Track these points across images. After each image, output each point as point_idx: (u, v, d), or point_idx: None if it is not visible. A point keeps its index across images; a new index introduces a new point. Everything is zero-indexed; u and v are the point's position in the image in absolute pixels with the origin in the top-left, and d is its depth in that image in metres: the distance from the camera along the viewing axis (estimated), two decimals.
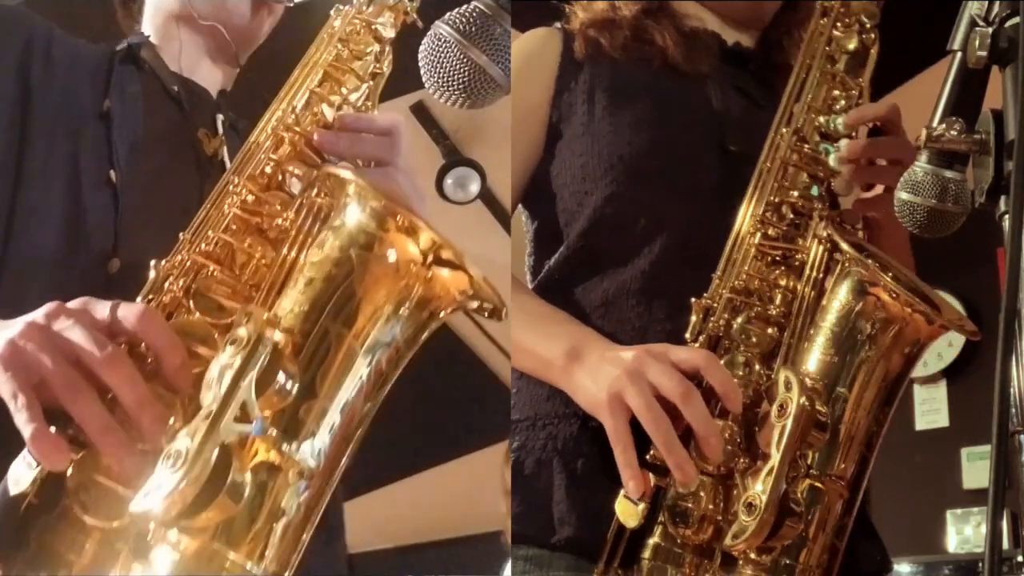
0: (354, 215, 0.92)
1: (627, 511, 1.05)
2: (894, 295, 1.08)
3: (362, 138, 1.09)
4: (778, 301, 1.14)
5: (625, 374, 1.06)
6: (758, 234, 1.17)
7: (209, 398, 0.83)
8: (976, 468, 3.70)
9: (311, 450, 0.87)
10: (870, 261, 1.09)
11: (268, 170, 1.05)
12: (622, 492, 1.05)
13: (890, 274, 1.08)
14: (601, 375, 1.09)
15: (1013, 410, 0.87)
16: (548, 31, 1.39)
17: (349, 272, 0.90)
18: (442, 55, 1.06)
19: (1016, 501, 0.86)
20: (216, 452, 0.79)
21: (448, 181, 3.29)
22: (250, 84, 1.41)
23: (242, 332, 0.84)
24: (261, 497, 0.84)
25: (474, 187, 3.31)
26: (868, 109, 1.22)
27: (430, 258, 0.91)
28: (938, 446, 3.75)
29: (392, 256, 0.91)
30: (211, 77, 1.38)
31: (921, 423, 3.82)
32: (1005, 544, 0.82)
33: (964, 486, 3.72)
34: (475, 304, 0.94)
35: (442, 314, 0.95)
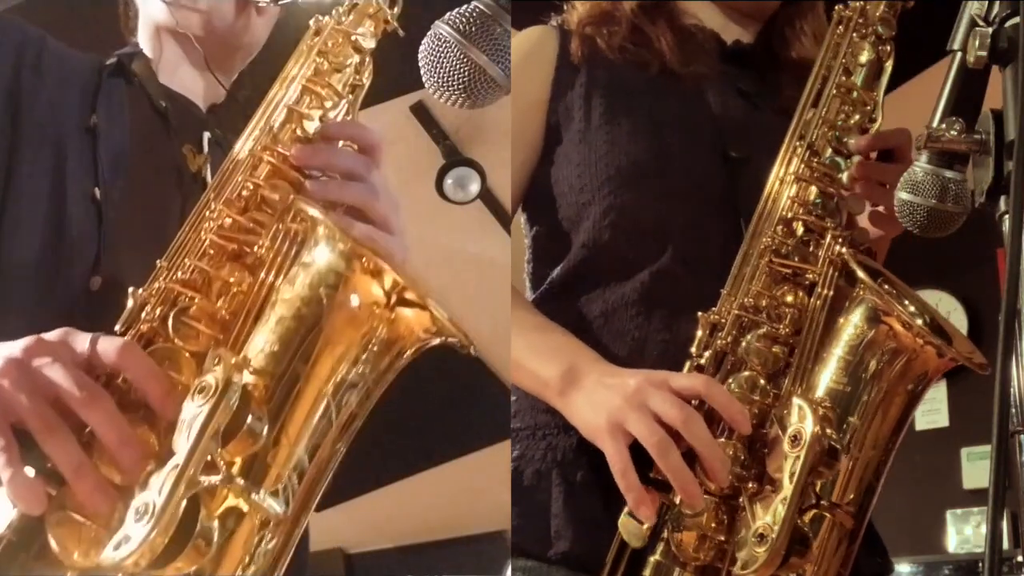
0: (323, 255, 0.92)
1: (631, 530, 1.05)
2: (907, 326, 1.07)
3: (337, 151, 1.08)
4: (787, 320, 1.12)
5: (626, 403, 1.05)
6: (769, 251, 1.15)
7: (178, 446, 0.83)
8: (976, 468, 3.70)
9: (280, 496, 0.87)
10: (885, 288, 1.09)
11: (245, 193, 1.04)
12: (626, 510, 1.05)
13: (904, 303, 1.08)
14: (599, 401, 1.09)
15: (1013, 410, 0.87)
16: (544, 29, 1.37)
17: (319, 313, 0.91)
18: (442, 55, 1.06)
19: (1016, 501, 0.86)
20: (184, 504, 0.80)
21: (448, 181, 3.29)
22: (242, 98, 1.40)
23: (210, 379, 0.83)
24: (229, 545, 0.84)
25: (474, 187, 3.32)
26: (877, 138, 1.20)
27: (394, 298, 0.92)
28: (938, 446, 3.75)
29: (355, 300, 0.91)
30: (197, 89, 1.36)
31: (921, 423, 3.82)
32: (1005, 544, 0.82)
33: (964, 486, 3.72)
34: (438, 340, 0.95)
35: (407, 353, 0.95)
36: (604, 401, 1.08)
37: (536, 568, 1.16)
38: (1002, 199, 0.94)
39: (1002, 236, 0.89)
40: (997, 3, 0.97)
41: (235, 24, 1.34)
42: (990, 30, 0.96)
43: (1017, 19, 0.95)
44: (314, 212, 0.94)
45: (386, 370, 0.95)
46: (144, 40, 1.36)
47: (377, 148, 1.09)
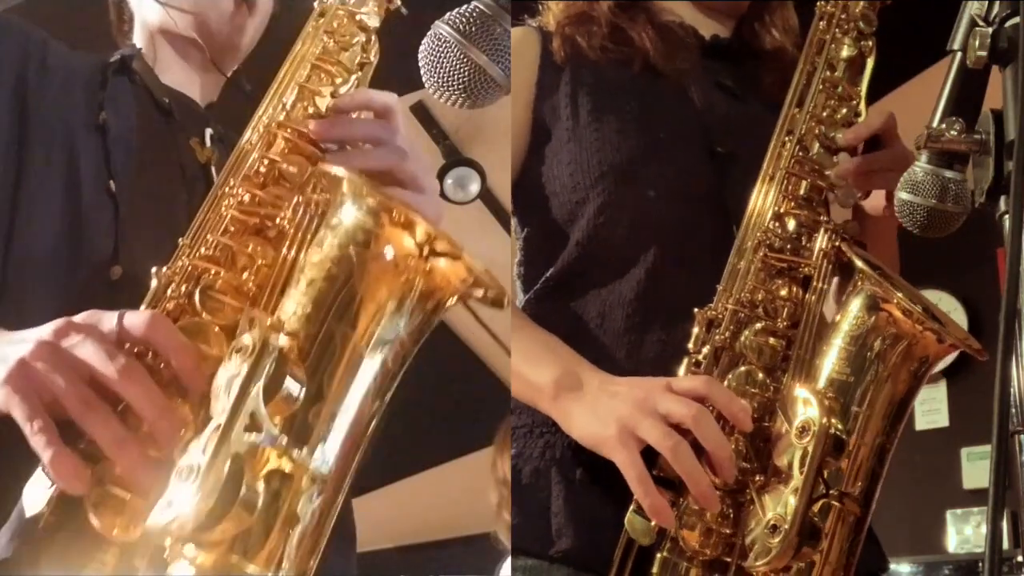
0: (350, 212, 0.91)
1: (639, 528, 1.05)
2: (906, 312, 1.08)
3: (356, 121, 1.09)
4: (784, 314, 1.13)
5: (636, 409, 1.05)
6: (762, 246, 1.15)
7: (218, 408, 0.82)
8: (976, 468, 3.70)
9: (322, 455, 0.86)
10: (883, 279, 1.09)
11: (263, 169, 1.05)
12: (631, 508, 1.05)
13: (901, 292, 1.08)
14: (605, 409, 1.08)
15: (1013, 410, 0.87)
16: (524, 30, 1.37)
17: (350, 271, 0.90)
18: (442, 55, 1.06)
19: (1016, 501, 0.86)
20: (228, 464, 0.79)
21: (448, 181, 3.29)
22: (237, 96, 1.41)
23: (247, 339, 0.83)
24: (275, 506, 0.83)
25: (474, 187, 3.32)
26: (863, 127, 1.21)
27: (427, 250, 0.91)
28: (938, 446, 3.75)
29: (390, 252, 0.90)
30: (196, 89, 1.37)
31: (921, 423, 3.82)
32: (1005, 544, 0.82)
33: (964, 486, 3.72)
34: (479, 292, 0.94)
35: (448, 303, 0.94)
36: (611, 410, 1.07)
37: (537, 567, 1.16)
38: (1002, 199, 0.94)
39: (1002, 236, 0.89)
40: (997, 3, 0.97)
41: (231, 24, 1.35)
42: (990, 30, 0.96)
43: (1017, 19, 0.95)
44: (337, 170, 0.93)
45: (424, 324, 0.94)
46: (140, 42, 1.37)
47: (392, 110, 1.09)
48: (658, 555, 1.05)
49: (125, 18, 1.42)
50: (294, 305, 0.90)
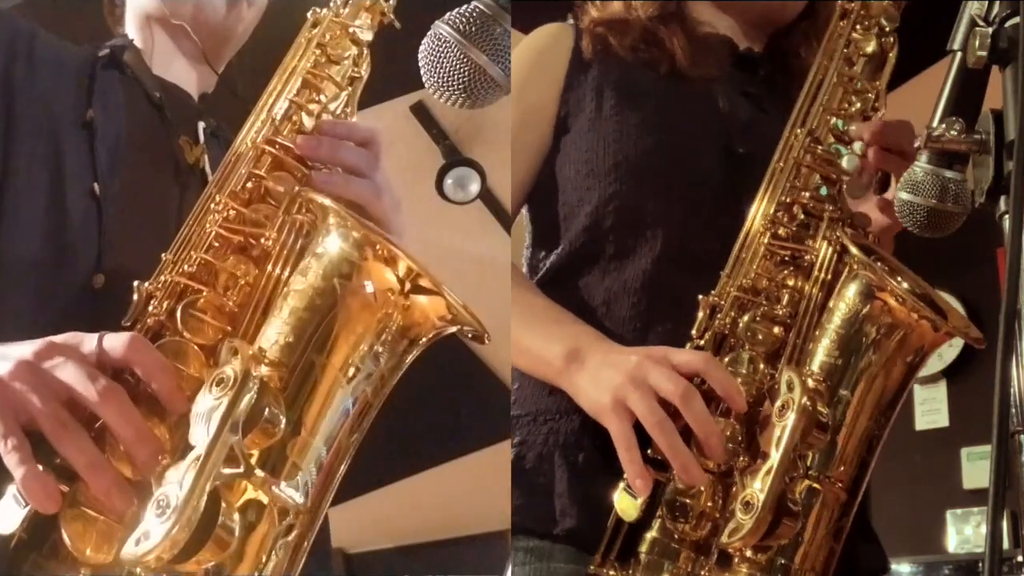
0: (335, 244, 0.92)
1: (626, 504, 1.06)
2: (901, 300, 1.08)
3: (343, 145, 1.09)
4: (785, 301, 1.14)
5: (627, 380, 1.07)
6: (768, 233, 1.17)
7: (197, 438, 0.82)
8: (976, 468, 3.70)
9: (298, 487, 0.87)
10: (878, 265, 1.09)
11: (249, 185, 1.05)
12: (621, 485, 1.06)
13: (898, 279, 1.08)
14: (602, 379, 1.10)
15: (1013, 410, 0.87)
16: (560, 27, 1.40)
17: (332, 303, 0.91)
18: (442, 55, 1.06)
19: (1016, 501, 0.86)
20: (205, 499, 0.79)
21: (448, 181, 3.29)
22: (231, 87, 1.41)
23: (229, 371, 0.83)
24: (249, 538, 0.84)
25: (474, 187, 3.31)
26: (878, 121, 1.21)
27: (408, 286, 0.91)
28: (938, 446, 3.75)
29: (370, 287, 0.91)
30: (189, 79, 1.36)
31: (921, 423, 3.82)
32: (1005, 544, 0.82)
33: (964, 486, 3.72)
34: (454, 328, 0.95)
35: (423, 340, 0.95)
36: (607, 379, 1.09)
37: (540, 547, 1.17)
38: (1002, 199, 0.94)
39: (1002, 236, 0.89)
40: (997, 3, 0.97)
41: (228, 16, 1.34)
42: (990, 30, 0.96)
43: (1017, 19, 0.95)
44: (324, 200, 0.94)
45: (401, 358, 0.95)
46: (133, 31, 1.36)
47: (375, 142, 1.10)
48: (646, 535, 1.06)
49: (116, 3, 1.41)
50: (275, 334, 0.91)
